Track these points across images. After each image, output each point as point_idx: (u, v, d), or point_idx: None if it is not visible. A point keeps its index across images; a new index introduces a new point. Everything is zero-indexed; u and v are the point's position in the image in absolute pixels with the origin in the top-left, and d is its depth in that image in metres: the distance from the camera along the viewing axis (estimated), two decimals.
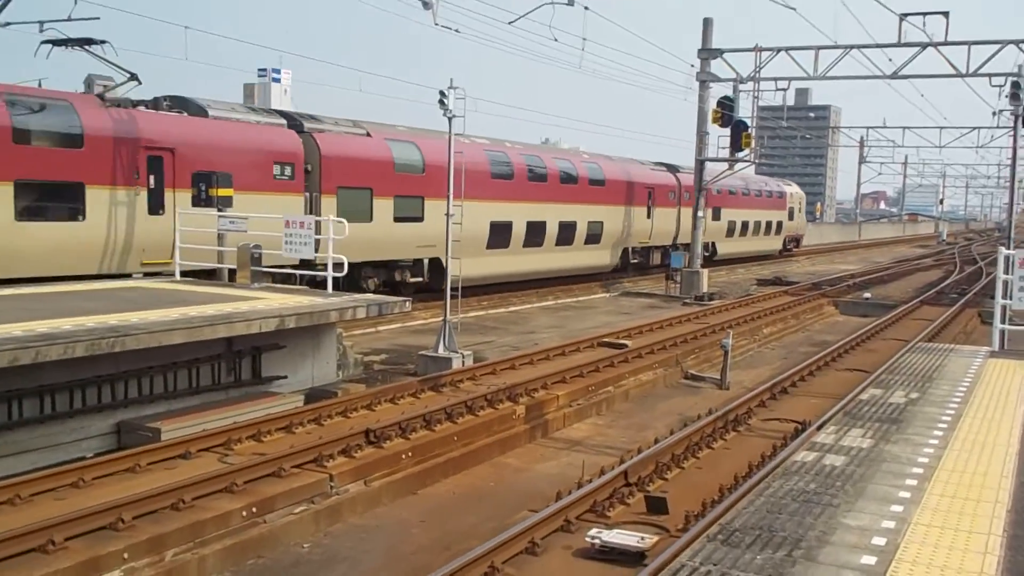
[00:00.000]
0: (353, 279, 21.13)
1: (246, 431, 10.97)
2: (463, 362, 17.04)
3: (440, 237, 20.01)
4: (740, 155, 31.42)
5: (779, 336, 23.88)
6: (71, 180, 16.70)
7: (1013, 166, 19.30)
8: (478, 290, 24.91)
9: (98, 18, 18.92)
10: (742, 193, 45.32)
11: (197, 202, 17.09)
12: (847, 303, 30.42)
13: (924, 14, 27.88)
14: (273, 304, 13.80)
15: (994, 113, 39.78)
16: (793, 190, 54.91)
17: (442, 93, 17.16)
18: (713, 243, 41.82)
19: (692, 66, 30.54)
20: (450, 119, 17.33)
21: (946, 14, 27.87)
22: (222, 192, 16.93)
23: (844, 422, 7.50)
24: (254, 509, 8.87)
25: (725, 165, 32.68)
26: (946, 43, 28.05)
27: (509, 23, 18.86)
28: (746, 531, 5.18)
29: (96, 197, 16.99)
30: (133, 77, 16.83)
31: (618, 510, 9.16)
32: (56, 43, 16.15)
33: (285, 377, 14.30)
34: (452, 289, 17.74)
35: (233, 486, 9.08)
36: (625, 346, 18.50)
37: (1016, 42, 27.06)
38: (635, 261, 36.32)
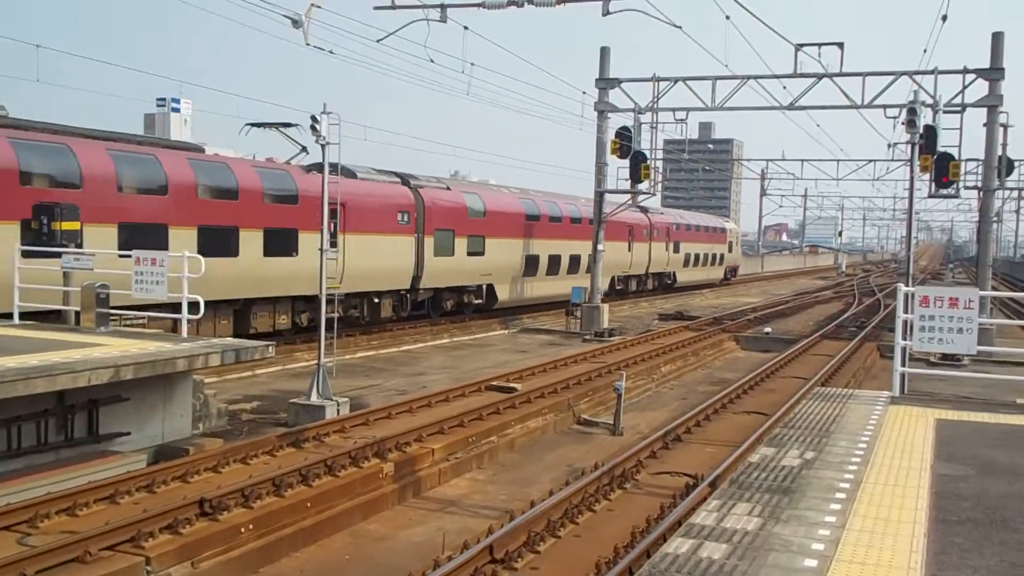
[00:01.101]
0: (436, 301, 30.04)
1: (60, 503, 9.45)
2: (338, 411, 15.67)
3: (495, 266, 31.51)
4: (640, 187, 30.84)
5: (678, 374, 23.06)
6: (289, 227, 22.91)
7: (911, 195, 18.94)
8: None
9: None
10: (695, 228, 53.47)
11: (38, 237, 15.43)
12: (748, 338, 29.90)
13: (819, 45, 27.72)
14: (113, 352, 12.26)
15: (889, 145, 40.19)
16: (731, 226, 62.91)
17: (313, 118, 15.88)
18: (673, 272, 49.99)
19: (584, 92, 29.84)
20: (323, 146, 16.07)
21: (841, 45, 27.76)
22: (66, 226, 15.31)
23: (730, 494, 6.44)
24: None
25: (626, 197, 32.11)
26: (841, 74, 27.90)
27: (378, 41, 17.72)
28: None
29: (305, 239, 22.92)
30: (303, 149, 19.38)
31: None
32: (255, 125, 18.88)
33: (128, 434, 12.73)
34: (327, 328, 16.42)
35: None
36: (514, 390, 17.36)
37: (910, 73, 27.04)
38: (619, 288, 42.98)
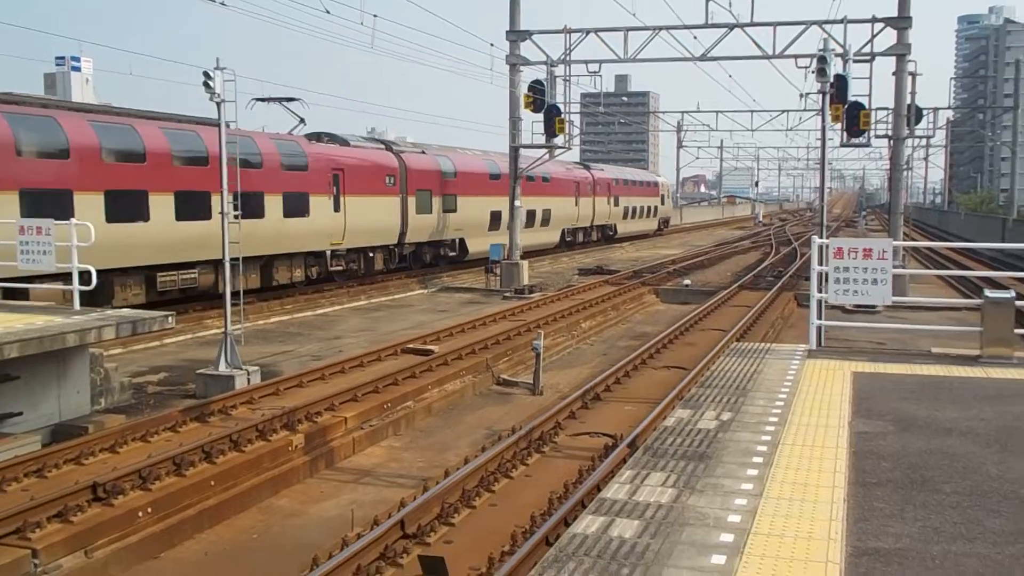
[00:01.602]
0: (417, 255, 33.27)
1: None
2: (248, 380, 15.13)
3: (466, 222, 35.06)
4: (556, 141, 30.44)
5: (599, 330, 22.92)
6: (303, 191, 26.01)
7: (823, 145, 18.90)
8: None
9: None
10: (633, 184, 57.28)
11: None
12: (667, 291, 29.95)
13: None
14: None
15: (801, 95, 40.44)
16: (663, 180, 67.19)
17: (206, 75, 15.07)
18: (615, 224, 53.80)
19: (492, 45, 29.27)
20: (218, 104, 15.29)
21: None
22: None
23: (644, 463, 6.17)
24: None
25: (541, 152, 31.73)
26: (752, 24, 27.83)
27: None
28: None
29: (315, 202, 26.59)
30: (302, 121, 25.20)
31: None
32: (261, 100, 23.77)
33: (20, 414, 12.02)
34: (234, 294, 15.78)
35: None
36: (431, 352, 16.97)
37: (820, 23, 27.04)
38: (568, 239, 46.68)
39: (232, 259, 15.81)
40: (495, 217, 36.84)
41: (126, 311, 13.53)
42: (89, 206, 19.11)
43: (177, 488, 9.48)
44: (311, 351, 19.09)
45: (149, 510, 8.97)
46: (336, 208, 27.60)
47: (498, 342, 18.57)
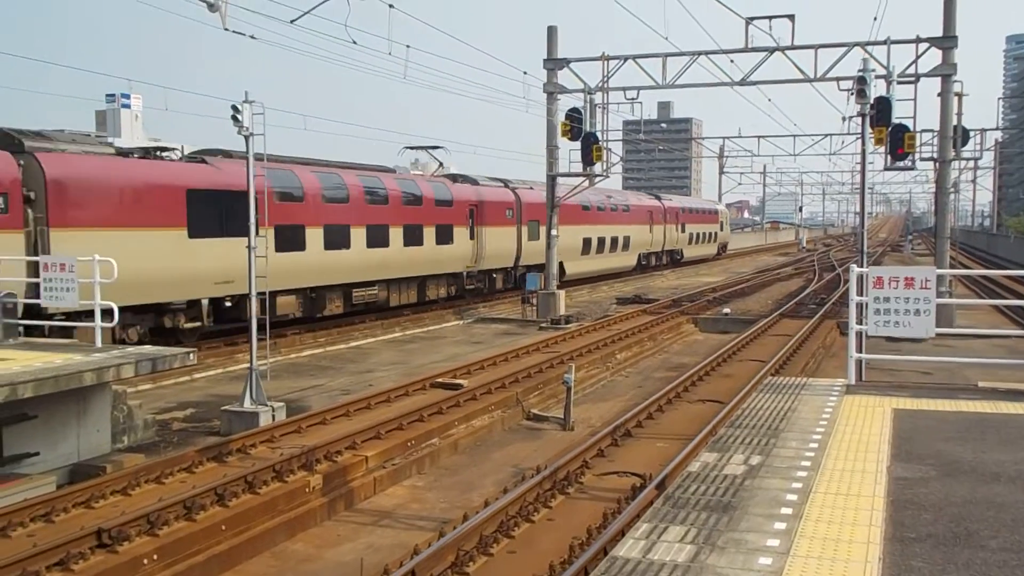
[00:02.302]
0: (523, 277, 33.92)
1: None
2: (273, 416, 14.84)
3: (564, 247, 37.11)
4: (594, 169, 30.03)
5: (635, 361, 22.38)
6: (449, 223, 31.26)
7: (863, 168, 18.35)
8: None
9: None
10: (697, 212, 62.15)
11: None
12: (707, 319, 29.32)
13: (770, 18, 27.08)
14: (13, 367, 11.32)
15: (844, 119, 39.66)
16: (722, 208, 72.78)
17: (235, 108, 14.94)
18: (682, 249, 58.47)
19: (525, 73, 29.00)
20: (246, 137, 15.15)
21: (791, 17, 27.14)
22: None
23: (663, 514, 5.71)
24: None
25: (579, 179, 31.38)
26: (793, 47, 27.29)
27: (292, 21, 16.74)
28: None
29: (458, 232, 31.93)
30: (440, 164, 30.48)
31: None
32: (411, 148, 30.36)
33: (37, 454, 11.81)
34: (259, 328, 15.51)
35: None
36: (460, 386, 16.58)
37: (862, 44, 26.45)
38: (644, 263, 51.44)
39: (259, 293, 15.57)
40: (586, 243, 42.58)
41: (147, 348, 13.33)
42: (315, 238, 24.62)
43: (186, 533, 9.16)
44: (341, 385, 18.80)
45: (155, 557, 8.65)
46: (471, 237, 32.96)
47: (529, 375, 18.14)
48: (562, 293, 30.77)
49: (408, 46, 20.62)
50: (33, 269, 15.75)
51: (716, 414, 14.04)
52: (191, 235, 20.74)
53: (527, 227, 36.79)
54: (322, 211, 25.00)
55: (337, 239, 25.52)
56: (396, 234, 28.18)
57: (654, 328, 26.30)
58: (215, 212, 21.26)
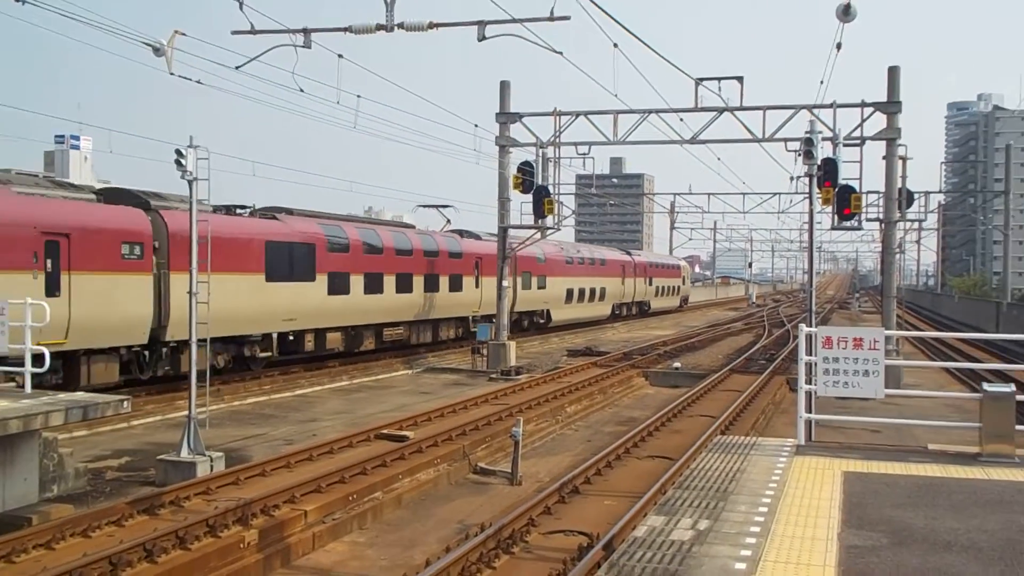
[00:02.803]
0: (518, 322, 40.87)
1: None
2: (211, 467, 14.37)
3: (551, 296, 44.29)
4: (545, 221, 30.04)
5: (585, 414, 22.18)
6: (459, 273, 35.20)
7: (811, 228, 18.47)
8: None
9: None
10: (662, 267, 67.38)
11: None
12: (657, 373, 29.27)
13: (719, 79, 27.46)
14: None
15: (792, 178, 40.30)
16: (684, 263, 77.95)
17: (178, 152, 14.65)
18: (649, 301, 63.02)
19: (476, 126, 29.11)
20: (189, 182, 14.83)
21: (740, 79, 27.56)
22: None
23: None
24: None
25: (529, 232, 31.39)
26: (742, 108, 27.67)
27: (237, 67, 16.57)
28: None
29: (466, 281, 35.94)
30: (448, 221, 33.44)
31: None
32: (423, 206, 33.09)
33: None
34: (198, 375, 15.07)
35: None
36: (406, 438, 16.24)
37: (809, 107, 26.90)
38: (617, 312, 56.07)
39: (199, 340, 15.16)
40: (569, 293, 46.77)
41: (79, 395, 12.85)
42: (357, 283, 28.52)
43: None
44: (284, 434, 18.35)
45: None
46: (476, 285, 36.65)
47: (477, 427, 17.85)
48: (512, 344, 30.59)
49: (359, 96, 20.54)
50: None
51: (665, 471, 13.85)
52: (267, 279, 24.46)
53: (521, 277, 40.71)
54: (362, 261, 29.07)
55: (374, 285, 29.56)
56: (419, 282, 32.41)
57: (604, 381, 26.16)
58: (285, 260, 25.22)
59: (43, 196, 19.33)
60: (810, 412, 10.45)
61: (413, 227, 35.74)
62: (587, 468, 14.33)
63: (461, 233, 38.13)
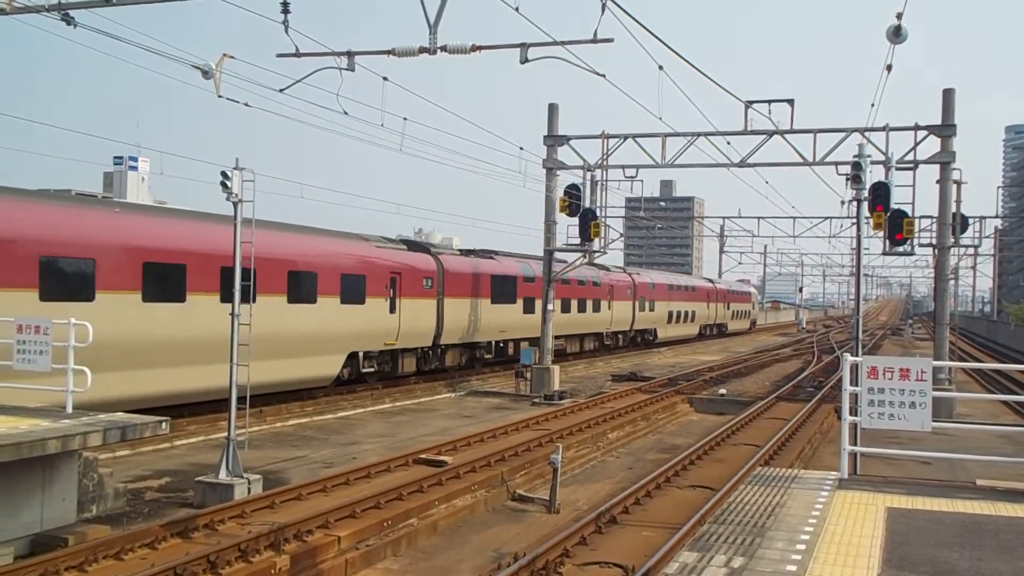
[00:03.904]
0: (632, 338, 50.82)
1: None
2: (248, 489, 14.35)
3: (658, 317, 54.30)
4: (592, 245, 29.87)
5: (627, 441, 21.89)
6: (598, 298, 43.66)
7: (858, 253, 18.09)
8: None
9: None
10: (736, 293, 76.04)
11: None
12: (702, 400, 28.85)
13: (770, 102, 27.15)
14: None
15: (842, 202, 39.66)
16: (753, 290, 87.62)
17: (224, 175, 14.76)
18: (726, 323, 71.01)
19: (521, 148, 29.04)
20: (235, 204, 14.93)
21: (791, 102, 27.24)
22: None
23: None
24: None
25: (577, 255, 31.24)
26: (792, 131, 27.33)
27: (281, 90, 16.68)
28: None
29: (603, 304, 44.54)
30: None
31: None
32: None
33: None
34: (239, 398, 15.09)
35: None
36: (444, 463, 16.12)
37: (861, 130, 26.48)
38: (702, 332, 64.18)
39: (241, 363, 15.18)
40: (670, 315, 55.62)
41: (118, 416, 12.90)
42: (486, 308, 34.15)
43: None
44: (324, 457, 18.33)
45: None
46: (609, 308, 45.34)
47: (517, 453, 17.67)
48: (556, 368, 30.38)
49: (405, 118, 20.64)
50: None
51: (705, 502, 13.56)
52: (492, 302, 33.79)
53: (637, 302, 49.64)
54: (524, 288, 36.77)
55: (504, 294, 35.67)
56: (576, 304, 41.14)
57: (648, 407, 25.84)
58: (500, 288, 34.39)
59: (386, 248, 28.35)
60: (855, 444, 10.12)
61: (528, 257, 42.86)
62: (626, 497, 14.08)
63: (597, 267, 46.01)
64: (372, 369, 27.57)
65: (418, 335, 29.20)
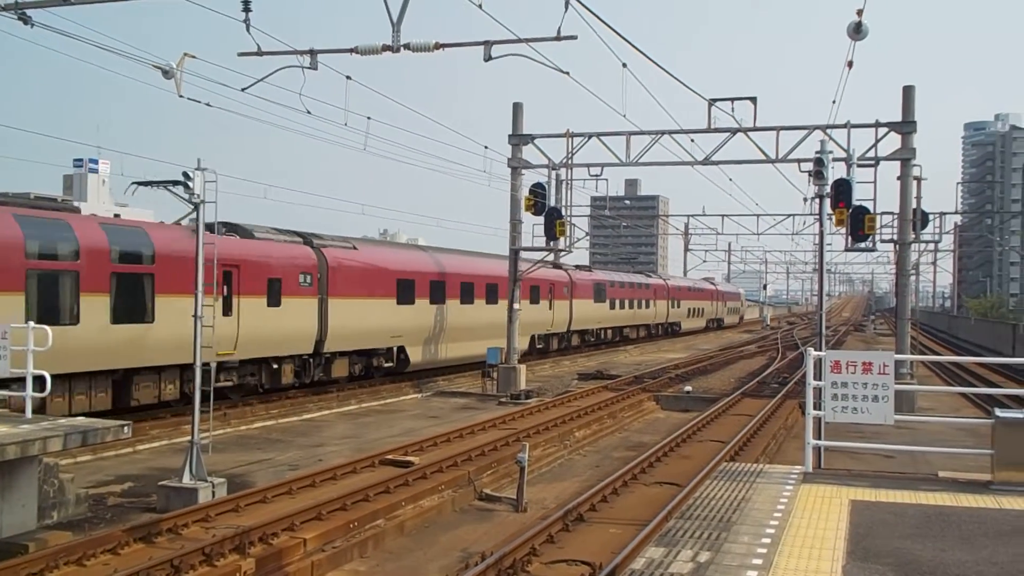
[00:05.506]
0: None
1: None
2: (213, 493, 14.20)
3: (680, 314, 68.80)
4: (557, 244, 29.91)
5: (594, 439, 21.92)
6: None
7: (821, 249, 18.29)
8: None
9: None
10: (728, 293, 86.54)
11: None
12: (668, 397, 28.99)
13: (732, 99, 27.34)
14: None
15: (805, 199, 40.00)
16: (741, 291, 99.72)
17: (185, 175, 14.59)
18: (723, 318, 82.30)
19: (486, 147, 29.03)
20: (196, 205, 14.76)
21: (754, 100, 27.45)
22: None
23: None
24: None
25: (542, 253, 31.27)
26: (755, 128, 27.53)
27: (243, 89, 16.54)
28: None
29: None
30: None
31: None
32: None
33: None
34: (203, 400, 14.92)
35: None
36: (411, 464, 16.05)
37: (823, 127, 26.72)
38: (708, 326, 76.95)
39: (203, 365, 15.02)
40: (689, 311, 68.62)
41: (79, 420, 12.73)
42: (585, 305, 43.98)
43: None
44: (290, 459, 18.19)
45: None
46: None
47: (484, 453, 17.64)
48: (523, 368, 30.39)
49: (369, 118, 20.53)
50: None
51: (672, 498, 13.61)
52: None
53: (670, 301, 61.07)
54: (589, 291, 47.64)
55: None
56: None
57: (615, 405, 25.91)
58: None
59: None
60: (819, 438, 10.20)
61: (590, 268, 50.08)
62: (593, 495, 14.09)
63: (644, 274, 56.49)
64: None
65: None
